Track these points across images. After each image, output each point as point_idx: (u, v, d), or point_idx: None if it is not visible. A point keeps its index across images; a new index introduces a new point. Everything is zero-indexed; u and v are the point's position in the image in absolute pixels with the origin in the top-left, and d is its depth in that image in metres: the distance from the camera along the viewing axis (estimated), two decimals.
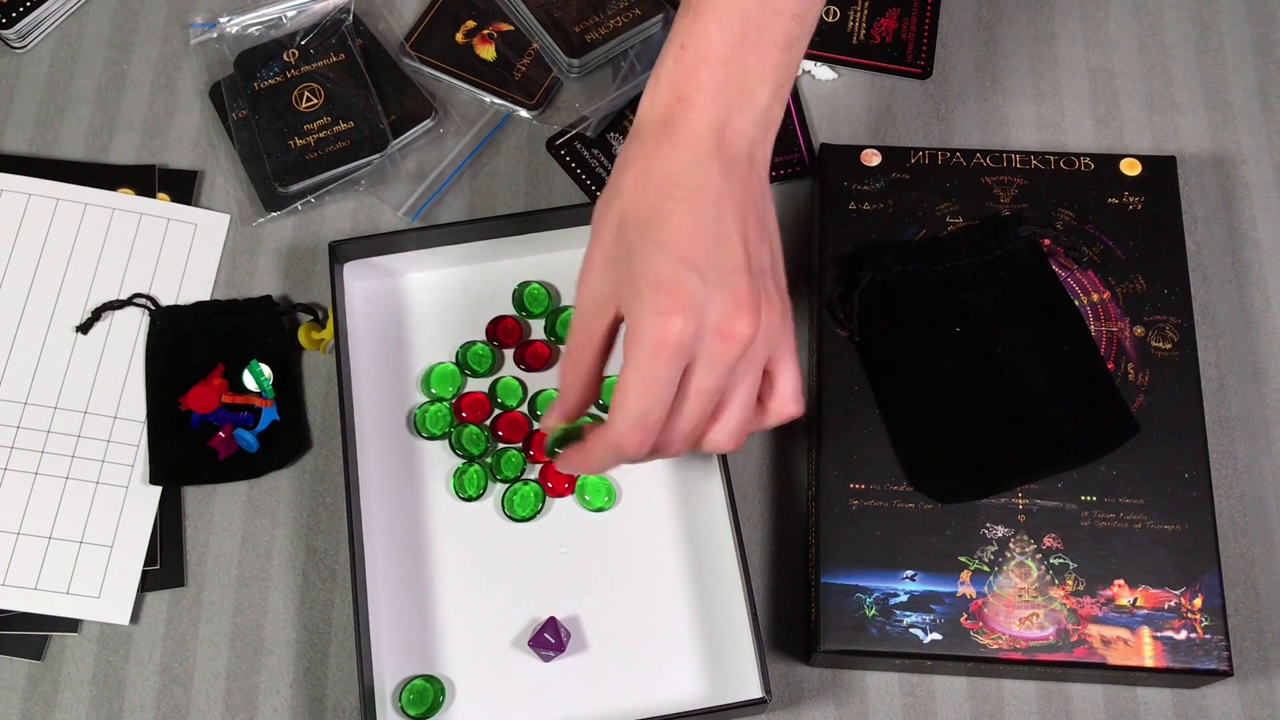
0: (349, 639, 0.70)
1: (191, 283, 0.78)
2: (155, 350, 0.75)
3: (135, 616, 0.71)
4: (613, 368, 0.60)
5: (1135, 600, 0.66)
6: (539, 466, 0.73)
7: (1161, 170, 0.76)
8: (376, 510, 0.71)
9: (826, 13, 0.85)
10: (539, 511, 0.71)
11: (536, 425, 0.74)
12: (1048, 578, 0.67)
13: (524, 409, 0.74)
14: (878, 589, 0.67)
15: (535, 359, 0.75)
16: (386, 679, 0.68)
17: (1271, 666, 0.70)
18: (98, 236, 0.78)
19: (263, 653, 0.70)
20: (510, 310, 0.76)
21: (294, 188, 0.79)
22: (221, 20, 0.84)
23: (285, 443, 0.74)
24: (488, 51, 0.84)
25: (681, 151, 0.59)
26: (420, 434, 0.73)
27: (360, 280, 0.76)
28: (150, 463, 0.73)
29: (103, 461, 0.73)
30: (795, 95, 0.82)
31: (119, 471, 0.73)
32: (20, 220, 0.78)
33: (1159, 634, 0.66)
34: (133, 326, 0.76)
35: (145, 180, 0.80)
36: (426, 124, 0.81)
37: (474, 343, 0.75)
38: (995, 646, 0.66)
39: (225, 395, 0.74)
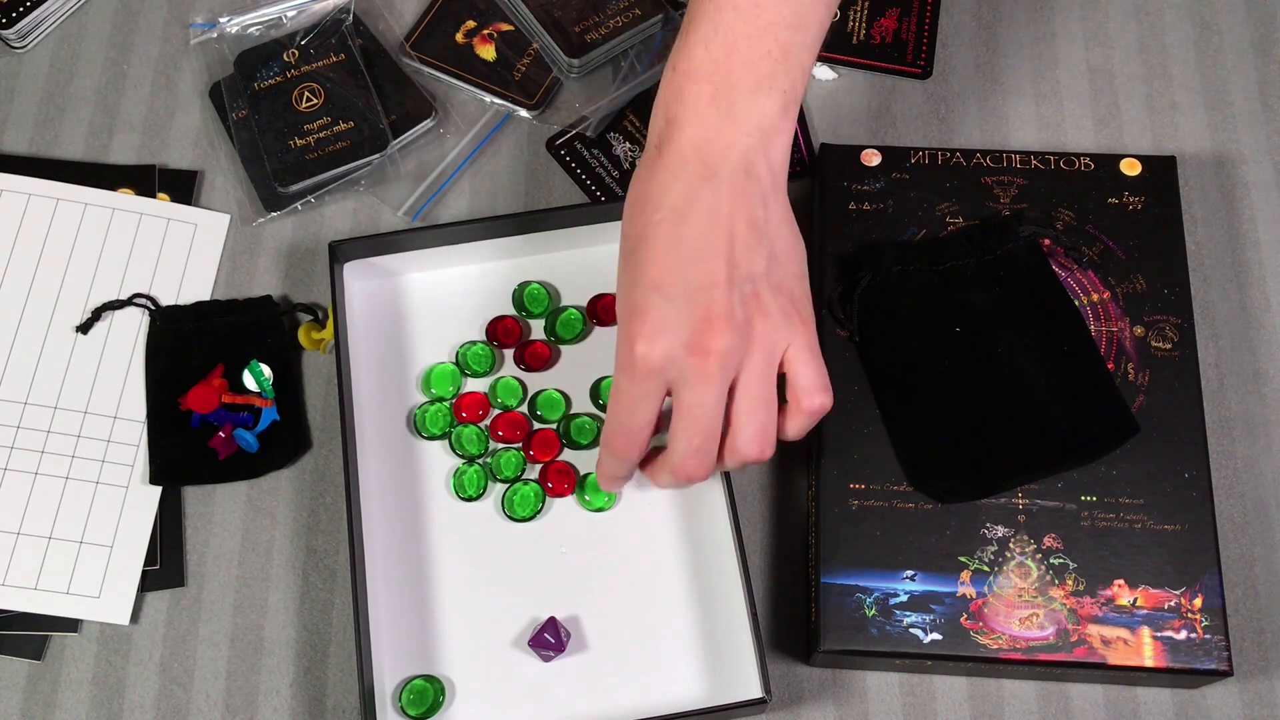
0: (349, 639, 0.70)
1: (191, 283, 0.78)
2: (155, 350, 0.75)
3: (135, 616, 0.71)
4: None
5: (1135, 600, 0.66)
6: (539, 466, 0.73)
7: (1161, 170, 0.76)
8: (376, 510, 0.71)
9: None
10: (539, 511, 0.71)
11: (537, 425, 0.74)
12: (1048, 578, 0.67)
13: (524, 409, 0.74)
14: (878, 589, 0.67)
15: (535, 359, 0.75)
16: (386, 679, 0.68)
17: (1271, 666, 0.70)
18: (98, 236, 0.78)
19: (263, 653, 0.70)
20: (510, 310, 0.76)
21: (294, 188, 0.79)
22: (221, 20, 0.84)
23: (285, 443, 0.74)
24: (488, 51, 0.84)
25: (664, 173, 0.61)
26: (420, 434, 0.73)
27: (360, 280, 0.76)
28: (150, 463, 0.73)
29: (103, 461, 0.73)
30: None
31: (119, 471, 0.73)
32: (20, 220, 0.78)
33: (1159, 634, 0.66)
34: (133, 326, 0.76)
35: (145, 180, 0.80)
36: (426, 124, 0.81)
37: (474, 343, 0.75)
38: (995, 646, 0.66)
39: (225, 395, 0.74)
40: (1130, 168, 0.76)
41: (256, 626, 0.71)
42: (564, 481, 0.72)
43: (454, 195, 0.80)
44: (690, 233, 0.60)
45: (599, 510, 0.71)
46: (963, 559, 0.67)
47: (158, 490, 0.73)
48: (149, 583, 0.71)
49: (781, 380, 0.63)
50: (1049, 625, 0.66)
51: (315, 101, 0.81)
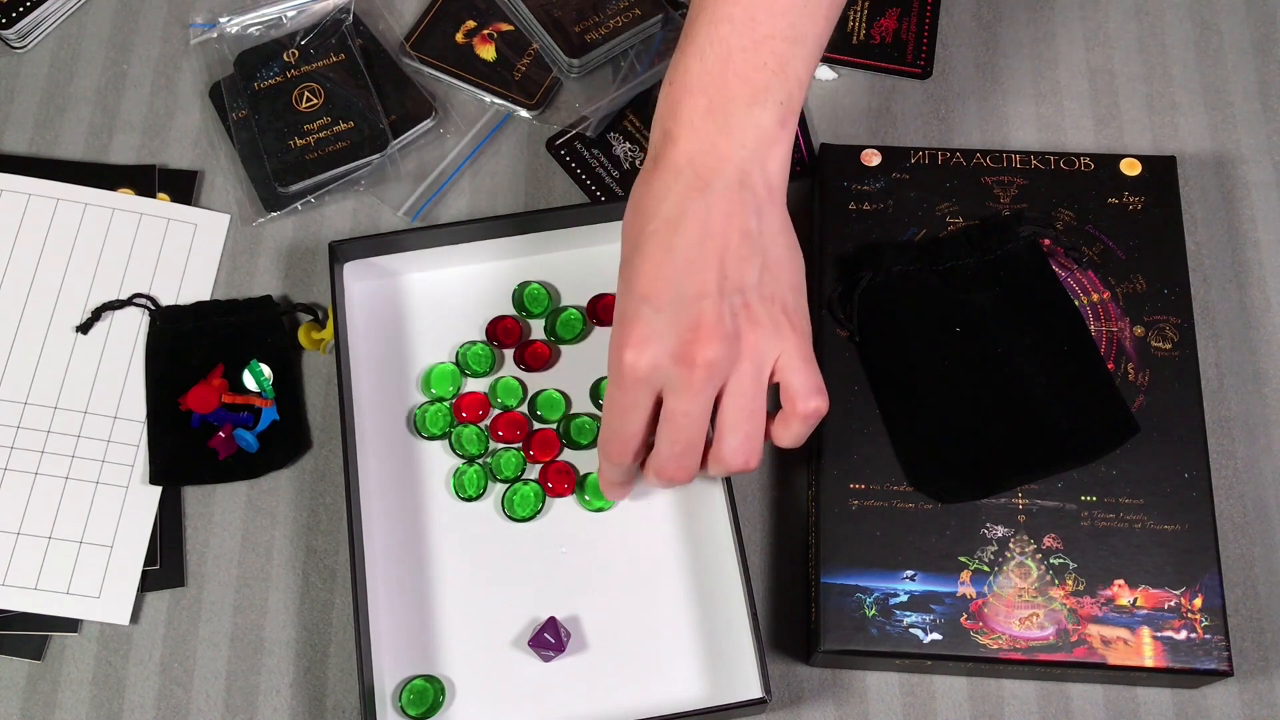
0: (349, 639, 0.70)
1: (191, 283, 0.78)
2: (155, 350, 0.75)
3: (135, 616, 0.71)
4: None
5: (1135, 600, 0.66)
6: (539, 466, 0.73)
7: (1161, 170, 0.76)
8: (376, 510, 0.71)
9: None
10: (539, 511, 0.71)
11: (537, 425, 0.74)
12: (1048, 578, 0.67)
13: (524, 409, 0.74)
14: (878, 589, 0.67)
15: (535, 359, 0.75)
16: (386, 679, 0.68)
17: (1271, 666, 0.70)
18: (98, 236, 0.78)
19: (263, 653, 0.70)
20: (510, 310, 0.76)
21: (294, 188, 0.79)
22: (221, 20, 0.84)
23: (285, 443, 0.74)
24: (488, 51, 0.84)
25: (659, 185, 0.61)
26: (420, 434, 0.73)
27: (360, 280, 0.76)
28: (150, 463, 0.73)
29: (103, 461, 0.73)
30: None
31: (119, 471, 0.73)
32: (20, 220, 0.78)
33: (1159, 634, 0.66)
34: (133, 326, 0.76)
35: (145, 180, 0.80)
36: (426, 124, 0.81)
37: (474, 343, 0.75)
38: (995, 646, 0.66)
39: (225, 395, 0.74)
40: (1130, 168, 0.76)
41: (256, 626, 0.71)
42: (564, 481, 0.72)
43: (454, 195, 0.80)
44: (681, 243, 0.60)
45: (599, 510, 0.71)
46: (963, 559, 0.67)
47: (158, 490, 0.73)
48: (149, 583, 0.71)
49: (777, 389, 0.63)
50: (1049, 625, 0.66)
51: (315, 101, 0.81)
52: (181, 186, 0.80)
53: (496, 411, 0.74)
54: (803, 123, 0.82)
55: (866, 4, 0.85)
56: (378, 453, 0.73)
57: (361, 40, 0.83)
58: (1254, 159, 0.81)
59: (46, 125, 0.82)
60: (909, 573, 0.67)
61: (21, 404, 0.74)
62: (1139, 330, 0.72)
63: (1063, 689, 0.69)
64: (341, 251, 0.74)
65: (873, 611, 0.66)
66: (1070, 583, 0.67)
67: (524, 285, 0.76)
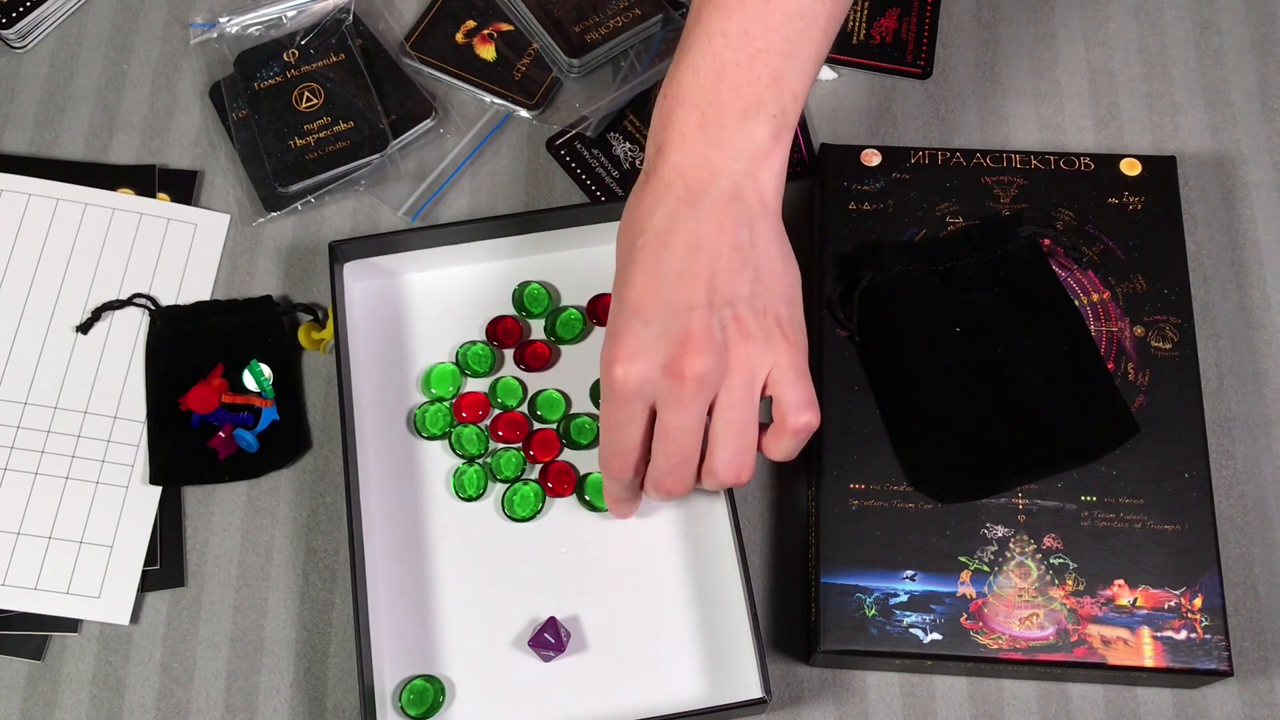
0: (349, 639, 0.70)
1: (191, 283, 0.78)
2: (155, 350, 0.75)
3: (135, 616, 0.71)
4: None
5: (1135, 600, 0.66)
6: (539, 466, 0.73)
7: (1161, 170, 0.76)
8: (376, 510, 0.71)
9: None
10: (539, 511, 0.71)
11: (537, 425, 0.74)
12: (1048, 578, 0.67)
13: (524, 409, 0.74)
14: (878, 589, 0.67)
15: (535, 359, 0.75)
16: (386, 679, 0.68)
17: (1271, 666, 0.70)
18: (98, 236, 0.78)
19: (263, 653, 0.70)
20: (510, 310, 0.76)
21: (294, 188, 0.79)
22: (221, 20, 0.84)
23: (285, 443, 0.74)
24: (488, 51, 0.84)
25: (650, 199, 0.61)
26: (420, 434, 0.73)
27: (360, 280, 0.76)
28: (150, 463, 0.73)
29: (103, 461, 0.73)
30: None
31: (119, 471, 0.73)
32: (20, 220, 0.78)
33: (1159, 634, 0.66)
34: (133, 326, 0.77)
35: (145, 180, 0.80)
36: (426, 124, 0.81)
37: (474, 343, 0.75)
38: (995, 646, 0.66)
39: (225, 395, 0.74)
40: (1130, 168, 0.76)
41: (256, 626, 0.71)
42: (564, 481, 0.72)
43: (454, 195, 0.80)
44: (671, 257, 0.60)
45: (600, 511, 0.71)
46: (963, 559, 0.67)
47: (158, 490, 0.73)
48: (149, 583, 0.71)
49: (769, 403, 0.62)
50: (1049, 625, 0.66)
51: (315, 101, 0.81)
52: (181, 186, 0.80)
53: (496, 411, 0.74)
54: (803, 123, 0.82)
55: (866, 4, 0.85)
56: (378, 453, 0.73)
57: (361, 40, 0.83)
58: (1254, 159, 0.81)
59: (46, 125, 0.82)
60: (909, 573, 0.67)
61: (21, 404, 0.74)
62: (1139, 330, 0.72)
63: (1063, 689, 0.69)
64: (341, 251, 0.74)
65: (873, 611, 0.66)
66: (1070, 583, 0.67)
67: (524, 285, 0.76)
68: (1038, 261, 0.73)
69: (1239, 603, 0.71)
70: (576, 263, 0.77)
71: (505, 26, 0.84)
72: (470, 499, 0.72)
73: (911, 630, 0.66)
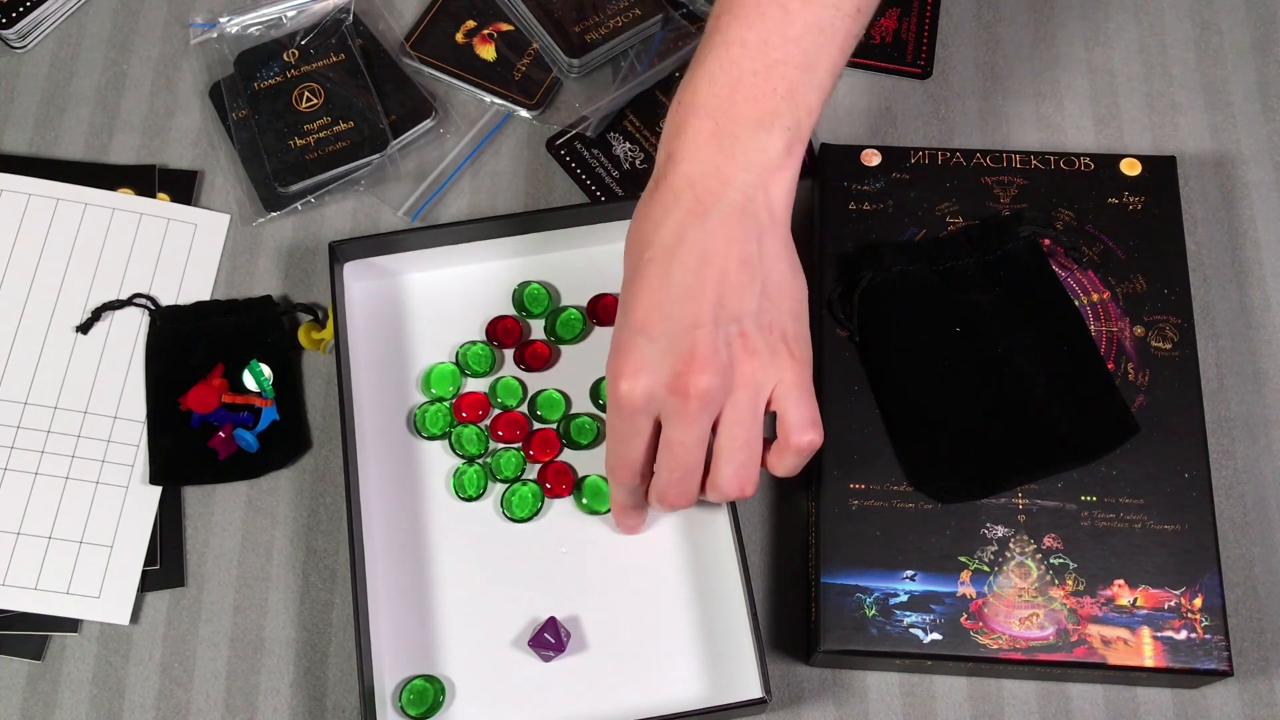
0: (349, 639, 0.70)
1: (191, 283, 0.78)
2: (155, 350, 0.75)
3: (135, 616, 0.71)
4: None
5: (1135, 600, 0.66)
6: (538, 467, 0.73)
7: (1161, 170, 0.76)
8: (376, 510, 0.71)
9: None
10: (537, 512, 0.71)
11: (537, 425, 0.74)
12: (1048, 578, 0.67)
13: (524, 409, 0.74)
14: (878, 589, 0.67)
15: (535, 359, 0.75)
16: (386, 679, 0.68)
17: (1271, 666, 0.70)
18: (98, 236, 0.78)
19: (263, 653, 0.70)
20: (510, 310, 0.76)
21: (294, 188, 0.79)
22: (221, 20, 0.84)
23: (285, 443, 0.74)
24: (488, 51, 0.84)
25: (658, 209, 0.61)
26: (420, 434, 0.73)
27: (360, 280, 0.76)
28: (150, 463, 0.73)
29: (103, 461, 0.73)
30: None
31: (119, 471, 0.73)
32: (20, 220, 0.78)
33: (1159, 634, 0.66)
34: (133, 326, 0.77)
35: (145, 180, 0.80)
36: (426, 124, 0.81)
37: (474, 343, 0.75)
38: (995, 646, 0.66)
39: (225, 395, 0.74)
40: (1130, 168, 0.76)
41: (256, 626, 0.71)
42: (563, 482, 0.72)
43: (454, 195, 0.80)
44: (678, 271, 0.59)
45: (597, 514, 0.71)
46: (963, 559, 0.67)
47: (158, 490, 0.73)
48: (149, 583, 0.71)
49: (774, 417, 0.62)
50: (1049, 625, 0.66)
51: (315, 101, 0.81)
52: (181, 186, 0.80)
53: (496, 411, 0.74)
54: None
55: None
56: (378, 453, 0.73)
57: (361, 40, 0.83)
58: (1254, 159, 0.81)
59: (46, 125, 0.82)
60: (909, 573, 0.67)
61: (21, 404, 0.74)
62: (1139, 330, 0.72)
63: (1063, 689, 0.69)
64: (341, 251, 0.74)
65: (873, 611, 0.66)
66: (1070, 583, 0.67)
67: (524, 285, 0.76)
68: (1038, 261, 0.73)
69: (1239, 603, 0.71)
70: (576, 263, 0.77)
71: (505, 26, 0.84)
72: (470, 499, 0.72)
73: (911, 630, 0.66)
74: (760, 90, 0.60)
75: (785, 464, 0.63)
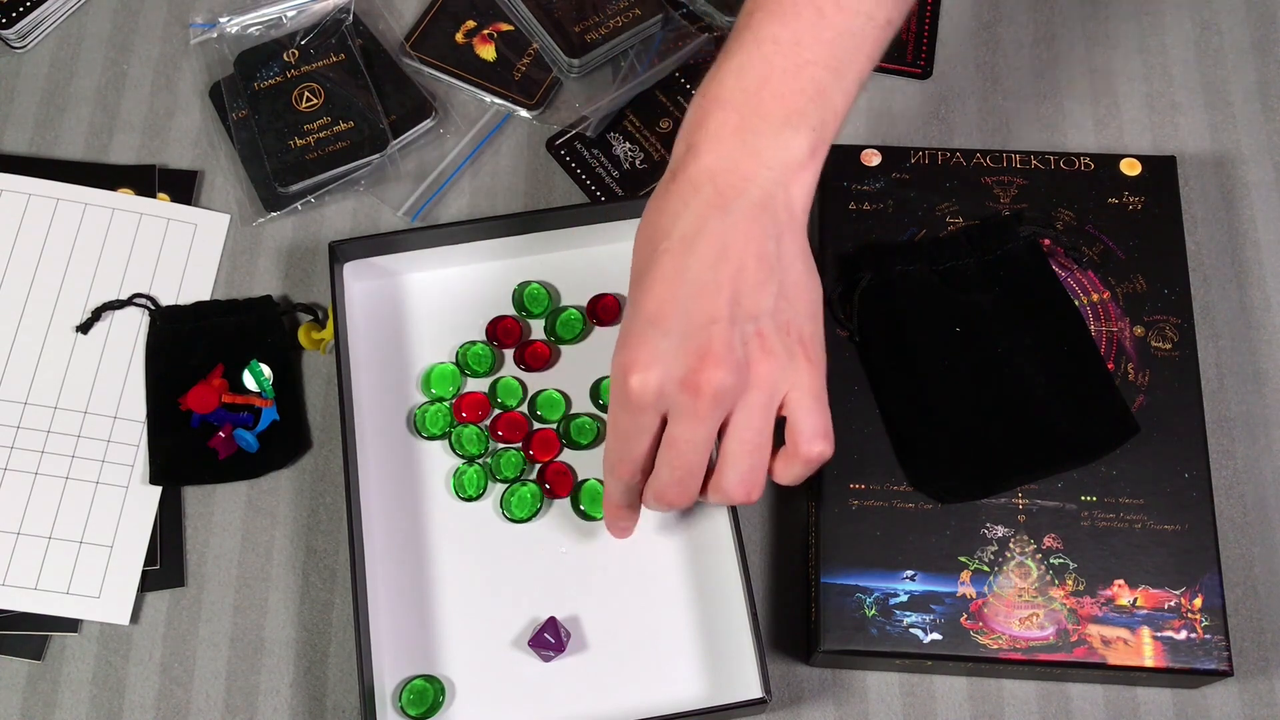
0: (349, 639, 0.70)
1: (191, 283, 0.78)
2: (155, 350, 0.75)
3: (135, 616, 0.71)
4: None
5: (1135, 600, 0.66)
6: (538, 467, 0.73)
7: (1161, 170, 0.76)
8: (376, 510, 0.71)
9: None
10: (537, 512, 0.71)
11: (537, 425, 0.74)
12: (1048, 578, 0.67)
13: (524, 409, 0.74)
14: (878, 589, 0.67)
15: (535, 359, 0.75)
16: (386, 679, 0.68)
17: (1271, 666, 0.70)
18: (98, 236, 0.78)
19: (263, 653, 0.70)
20: (510, 310, 0.76)
21: (294, 188, 0.79)
22: (221, 20, 0.84)
23: (285, 443, 0.74)
24: (488, 51, 0.84)
25: (676, 201, 0.59)
26: (420, 434, 0.73)
27: (360, 280, 0.76)
28: (150, 463, 0.73)
29: (103, 461, 0.73)
30: None
31: (119, 471, 0.73)
32: (20, 220, 0.78)
33: (1159, 634, 0.66)
34: (133, 326, 0.77)
35: (145, 180, 0.80)
36: (426, 124, 0.81)
37: (474, 343, 0.75)
38: (995, 646, 0.66)
39: (225, 395, 0.74)
40: (1130, 168, 0.76)
41: (256, 626, 0.71)
42: (563, 482, 0.72)
43: (454, 195, 0.80)
44: (695, 264, 0.58)
45: (594, 520, 0.71)
46: (963, 559, 0.67)
47: (158, 490, 0.73)
48: (149, 583, 0.71)
49: (783, 422, 0.61)
50: (1049, 625, 0.66)
51: (315, 101, 0.81)
52: (181, 186, 0.80)
53: (497, 411, 0.74)
54: None
55: None
56: (378, 453, 0.73)
57: (361, 40, 0.83)
58: (1254, 159, 0.81)
59: (46, 125, 0.82)
60: (909, 573, 0.67)
61: (21, 404, 0.74)
62: (1139, 330, 0.72)
63: (1063, 689, 0.69)
64: (341, 251, 0.74)
65: (873, 611, 0.66)
66: (1070, 583, 0.67)
67: (524, 285, 0.76)
68: (1038, 261, 0.73)
69: (1239, 603, 0.71)
70: (576, 263, 0.77)
71: (505, 26, 0.84)
72: (470, 499, 0.72)
73: (911, 630, 0.66)
74: (789, 89, 0.59)
75: (792, 473, 0.61)
